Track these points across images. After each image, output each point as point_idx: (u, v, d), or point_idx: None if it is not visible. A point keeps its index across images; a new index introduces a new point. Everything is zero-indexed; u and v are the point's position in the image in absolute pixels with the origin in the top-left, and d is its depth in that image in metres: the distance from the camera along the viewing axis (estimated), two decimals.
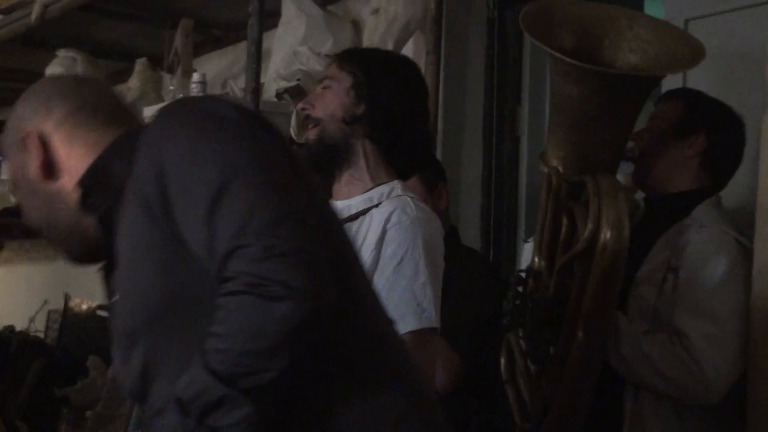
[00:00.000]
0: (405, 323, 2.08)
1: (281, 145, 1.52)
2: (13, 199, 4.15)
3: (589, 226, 2.28)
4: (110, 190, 1.56)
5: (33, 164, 1.61)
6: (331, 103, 2.28)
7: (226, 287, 1.34)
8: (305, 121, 2.34)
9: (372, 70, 2.28)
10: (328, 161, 2.29)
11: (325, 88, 2.30)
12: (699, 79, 2.68)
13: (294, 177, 1.46)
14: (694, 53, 2.40)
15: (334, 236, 1.51)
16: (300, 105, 2.38)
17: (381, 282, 2.14)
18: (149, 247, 1.47)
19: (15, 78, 5.16)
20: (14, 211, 4.26)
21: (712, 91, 2.58)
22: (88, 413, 3.72)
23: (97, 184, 1.58)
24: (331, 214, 1.58)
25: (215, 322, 1.35)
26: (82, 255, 1.67)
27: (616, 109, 2.37)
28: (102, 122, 1.64)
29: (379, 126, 2.26)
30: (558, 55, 2.31)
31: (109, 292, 1.60)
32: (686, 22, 2.80)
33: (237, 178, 1.40)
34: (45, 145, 1.61)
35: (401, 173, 2.32)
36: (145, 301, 1.48)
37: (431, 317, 2.13)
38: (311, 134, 2.30)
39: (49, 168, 1.61)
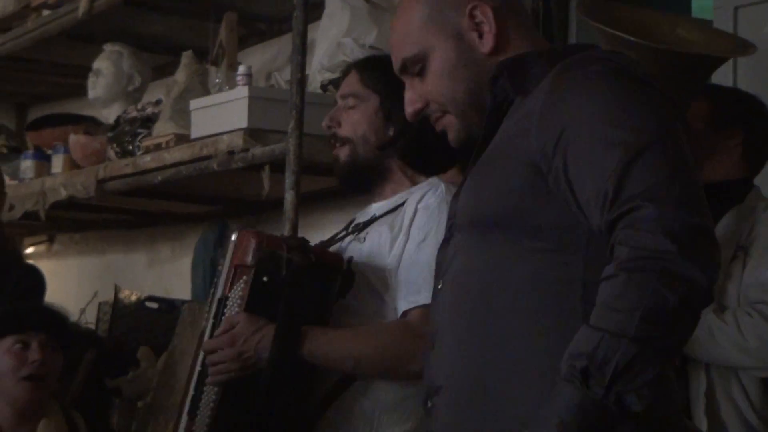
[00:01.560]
0: (420, 297, 2.15)
1: (680, 115, 1.62)
2: (63, 192, 4.19)
3: None
4: (516, 88, 1.66)
5: (487, 35, 1.70)
6: (360, 124, 2.30)
7: (625, 257, 1.42)
8: (331, 138, 2.36)
9: (399, 91, 2.27)
10: (362, 181, 2.35)
11: (350, 107, 2.31)
12: (748, 67, 2.65)
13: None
14: (743, 48, 2.40)
15: None
16: (325, 122, 2.38)
17: (406, 256, 2.21)
18: (514, 161, 1.59)
19: (62, 72, 5.21)
20: (64, 204, 4.31)
21: (762, 79, 2.57)
22: (139, 404, 3.74)
23: (512, 74, 1.67)
24: None
25: (608, 290, 1.42)
26: (468, 137, 1.75)
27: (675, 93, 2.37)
28: (525, 22, 1.77)
29: (411, 147, 2.29)
30: (625, 36, 2.29)
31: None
32: (735, 9, 2.78)
33: (655, 144, 1.47)
34: (497, 18, 1.70)
35: (437, 170, 2.36)
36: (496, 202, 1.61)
37: None
38: (342, 154, 2.32)
39: (499, 41, 1.70)
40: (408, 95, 1.79)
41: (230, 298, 2.22)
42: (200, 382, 2.23)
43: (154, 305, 4.29)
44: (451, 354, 1.64)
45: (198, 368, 2.25)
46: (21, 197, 4.40)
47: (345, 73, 2.44)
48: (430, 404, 1.68)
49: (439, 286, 1.71)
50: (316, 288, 2.21)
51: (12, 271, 3.49)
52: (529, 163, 1.57)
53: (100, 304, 4.46)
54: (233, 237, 2.27)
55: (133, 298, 4.30)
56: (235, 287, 2.21)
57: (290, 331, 2.15)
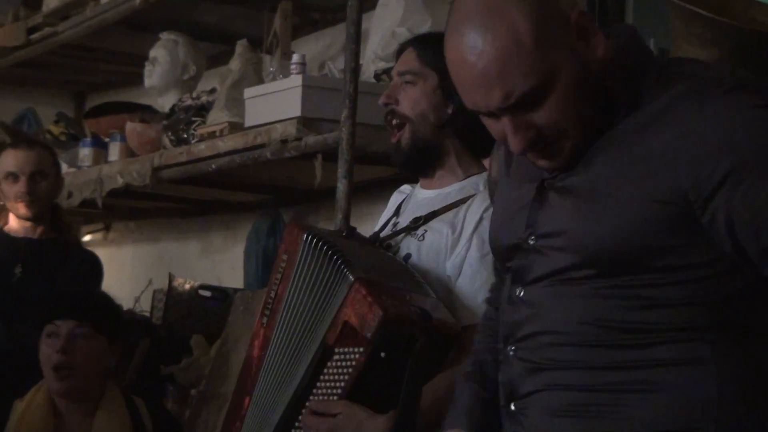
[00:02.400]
0: (478, 314, 2.08)
1: None
2: (120, 180, 4.22)
3: None
4: (628, 102, 1.53)
5: (599, 45, 1.51)
6: (419, 102, 2.25)
7: None
8: (388, 115, 2.29)
9: None
10: (421, 162, 2.29)
11: (408, 83, 2.26)
12: None
13: None
14: None
15: None
16: (382, 99, 2.30)
17: (467, 267, 2.15)
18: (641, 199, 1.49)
19: (119, 61, 5.25)
20: (121, 192, 4.34)
21: None
22: (193, 391, 3.76)
23: (624, 87, 1.54)
24: None
25: None
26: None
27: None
28: None
29: (469, 126, 2.18)
30: (704, 13, 2.21)
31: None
32: None
33: None
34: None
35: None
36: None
37: None
38: (403, 137, 2.26)
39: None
40: (509, 129, 1.53)
41: (336, 359, 2.07)
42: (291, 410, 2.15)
43: (207, 293, 4.31)
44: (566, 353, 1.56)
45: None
46: (79, 185, 4.43)
47: (401, 50, 2.36)
48: (513, 408, 1.61)
49: (520, 294, 1.62)
50: (431, 364, 2.02)
51: (71, 257, 3.54)
52: (665, 202, 1.47)
53: (154, 292, 4.49)
54: (347, 282, 2.08)
55: (187, 286, 4.32)
56: (343, 350, 2.06)
57: (410, 418, 1.90)
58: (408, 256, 2.23)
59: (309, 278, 2.16)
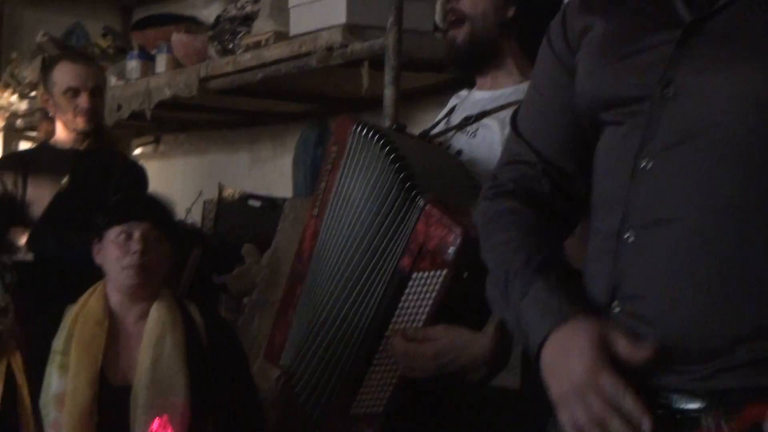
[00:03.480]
0: None
1: None
2: (167, 92, 4.22)
3: None
4: None
5: None
6: (481, 1, 2.22)
7: None
8: (449, 12, 2.27)
9: None
10: (476, 61, 2.27)
11: None
12: None
13: None
14: None
15: None
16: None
17: None
18: None
19: None
20: (169, 104, 4.34)
21: None
22: (245, 300, 3.79)
23: None
24: None
25: None
26: None
27: None
28: None
29: (529, 29, 2.17)
30: None
31: None
32: None
33: None
34: None
35: None
36: None
37: None
38: (460, 35, 2.24)
39: None
40: None
41: (415, 282, 2.01)
42: (375, 336, 2.09)
43: (256, 203, 4.32)
44: (697, 241, 1.34)
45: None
46: (128, 97, 4.44)
47: None
48: (621, 310, 1.39)
49: (647, 166, 1.38)
50: None
51: (116, 167, 3.57)
52: None
53: (204, 202, 4.51)
54: (419, 205, 2.01)
55: (237, 196, 4.34)
56: (422, 274, 2.01)
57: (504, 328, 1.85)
58: (459, 152, 2.23)
59: (359, 168, 2.14)
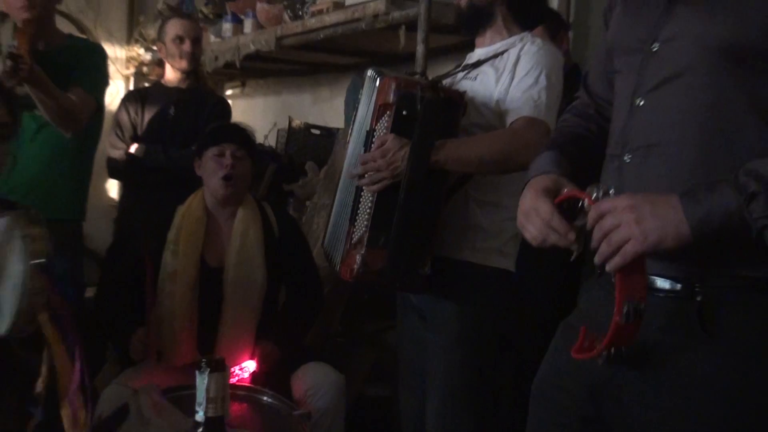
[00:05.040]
0: (522, 111, 2.08)
1: None
2: (252, 47, 4.11)
3: None
4: None
5: None
6: None
7: None
8: None
9: None
10: (475, 23, 2.24)
11: None
12: None
13: None
14: None
15: None
16: None
17: (511, 90, 2.12)
18: None
19: None
20: (253, 57, 4.23)
21: None
22: (307, 203, 3.75)
23: None
24: None
25: None
26: None
27: None
28: None
29: None
30: None
31: None
32: None
33: None
34: None
35: (530, 26, 2.26)
36: None
37: (541, 111, 2.08)
38: (463, 3, 2.24)
39: None
40: None
41: (377, 130, 2.11)
42: (357, 195, 2.15)
43: (317, 131, 4.27)
44: (677, 161, 1.30)
45: (352, 187, 2.17)
46: (222, 51, 4.35)
47: None
48: (627, 159, 1.36)
49: (640, 103, 1.36)
50: (445, 116, 2.08)
51: (208, 101, 3.55)
52: None
53: (278, 131, 4.48)
54: (376, 82, 2.12)
55: (302, 126, 4.28)
56: (380, 121, 2.10)
57: (425, 143, 2.05)
58: (464, 92, 2.19)
59: (366, 97, 2.22)
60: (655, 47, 1.34)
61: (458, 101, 2.10)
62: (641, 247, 1.20)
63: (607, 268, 1.24)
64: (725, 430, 1.22)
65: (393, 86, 2.06)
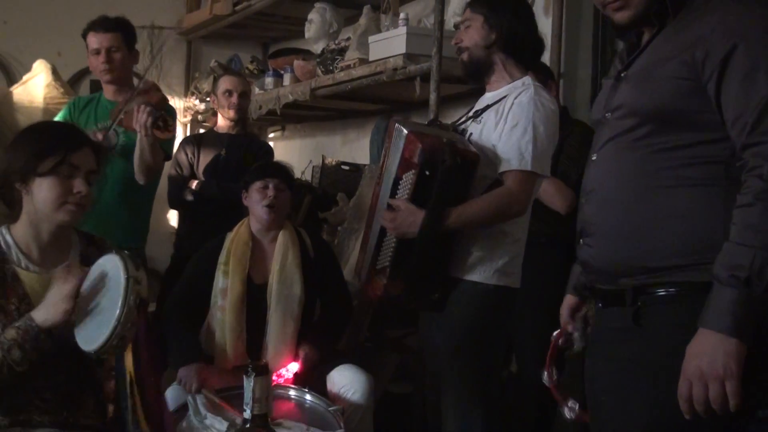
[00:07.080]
0: (509, 164, 2.06)
1: None
2: (290, 97, 4.14)
3: None
4: (674, 10, 1.40)
5: None
6: (473, 36, 2.20)
7: (760, 189, 1.24)
8: (458, 50, 2.26)
9: (495, 8, 2.18)
10: (478, 72, 2.22)
11: (466, 27, 2.22)
12: None
13: None
14: None
15: None
16: (453, 41, 2.30)
17: (503, 137, 2.09)
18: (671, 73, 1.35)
19: (289, 22, 5.08)
20: (291, 105, 4.26)
21: None
22: (339, 228, 3.75)
23: None
24: None
25: (749, 216, 1.25)
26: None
27: None
28: None
29: (507, 43, 2.17)
30: None
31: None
32: None
33: None
34: None
35: (530, 66, 2.23)
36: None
37: (528, 163, 2.05)
38: (464, 57, 2.23)
39: None
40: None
41: (402, 181, 2.11)
42: (383, 231, 2.18)
43: (346, 167, 4.28)
44: (606, 204, 1.45)
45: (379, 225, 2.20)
46: (265, 101, 4.38)
47: (464, 9, 2.32)
48: (582, 242, 1.51)
49: (594, 158, 1.50)
50: (461, 176, 2.08)
51: (253, 145, 3.60)
52: (685, 78, 1.34)
53: (313, 167, 4.49)
54: (402, 134, 2.11)
55: (333, 163, 4.29)
56: (405, 175, 2.10)
57: (438, 211, 2.06)
58: (470, 134, 2.19)
59: (393, 146, 2.19)
60: (608, 116, 1.48)
61: (473, 162, 2.07)
62: (729, 385, 1.27)
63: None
64: (648, 399, 1.33)
65: (419, 147, 2.04)
